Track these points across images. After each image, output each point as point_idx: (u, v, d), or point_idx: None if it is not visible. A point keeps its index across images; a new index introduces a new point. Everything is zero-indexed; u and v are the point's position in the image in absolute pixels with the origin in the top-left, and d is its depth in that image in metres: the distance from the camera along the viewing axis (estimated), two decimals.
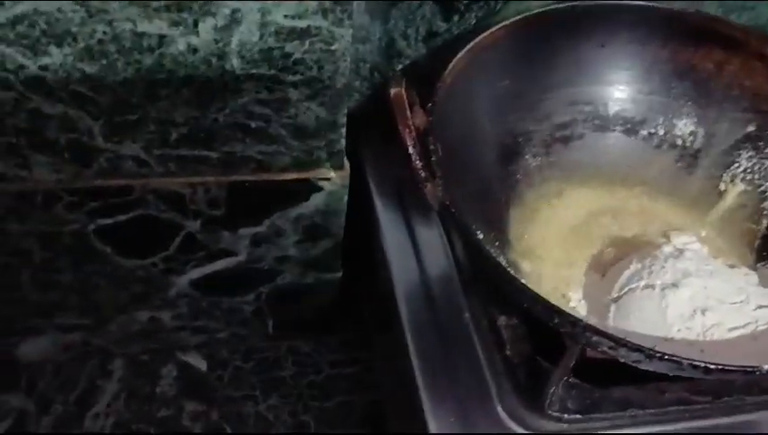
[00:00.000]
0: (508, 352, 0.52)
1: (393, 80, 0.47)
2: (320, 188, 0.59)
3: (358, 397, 0.68)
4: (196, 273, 0.64)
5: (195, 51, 0.49)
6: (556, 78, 0.60)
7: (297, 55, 0.51)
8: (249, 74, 0.52)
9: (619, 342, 0.40)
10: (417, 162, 0.43)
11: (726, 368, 0.39)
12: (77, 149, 0.54)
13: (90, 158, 0.54)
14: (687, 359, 0.39)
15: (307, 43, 0.51)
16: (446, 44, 0.62)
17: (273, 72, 0.52)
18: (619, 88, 0.62)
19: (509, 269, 0.45)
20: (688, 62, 0.60)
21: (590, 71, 0.61)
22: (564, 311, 0.41)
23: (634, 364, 0.42)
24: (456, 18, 0.60)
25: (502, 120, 0.58)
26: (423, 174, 0.44)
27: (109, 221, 0.58)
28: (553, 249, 0.57)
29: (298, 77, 0.52)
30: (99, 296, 0.64)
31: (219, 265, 0.63)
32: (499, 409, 0.49)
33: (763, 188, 0.58)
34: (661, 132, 0.62)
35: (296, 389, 0.68)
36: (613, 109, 0.62)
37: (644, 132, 0.62)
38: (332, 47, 0.51)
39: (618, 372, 0.47)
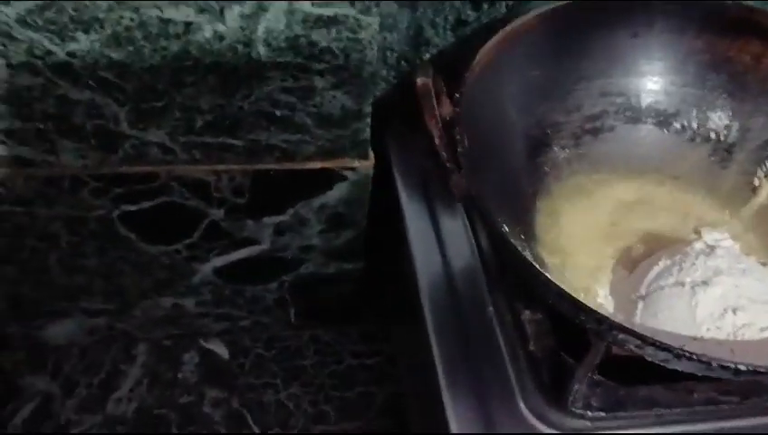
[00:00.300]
0: (532, 348, 0.51)
1: (420, 69, 0.46)
2: (344, 178, 0.59)
3: (378, 388, 0.68)
4: (219, 260, 0.64)
5: (221, 38, 0.49)
6: (587, 69, 0.59)
7: (323, 43, 0.51)
8: (275, 62, 0.51)
9: (646, 340, 0.39)
10: (443, 153, 0.43)
11: (757, 369, 0.38)
12: (103, 136, 0.54)
13: (115, 144, 0.55)
14: (717, 359, 0.38)
15: (334, 31, 0.50)
16: (474, 33, 0.61)
17: (299, 60, 0.51)
18: (652, 79, 0.60)
19: (534, 263, 0.44)
20: (724, 54, 0.59)
21: (623, 61, 0.59)
22: (590, 308, 0.40)
23: (662, 364, 0.41)
24: (485, 7, 0.59)
25: (530, 111, 0.57)
26: (449, 165, 0.44)
27: (133, 207, 0.58)
28: (581, 244, 0.55)
29: (324, 65, 0.52)
30: (123, 282, 0.65)
31: (243, 253, 0.64)
32: (522, 406, 0.48)
33: None
34: (694, 125, 0.60)
35: (317, 378, 0.68)
36: (645, 101, 0.60)
37: (677, 125, 0.61)
38: (359, 36, 0.51)
39: (644, 370, 0.46)
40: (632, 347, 0.41)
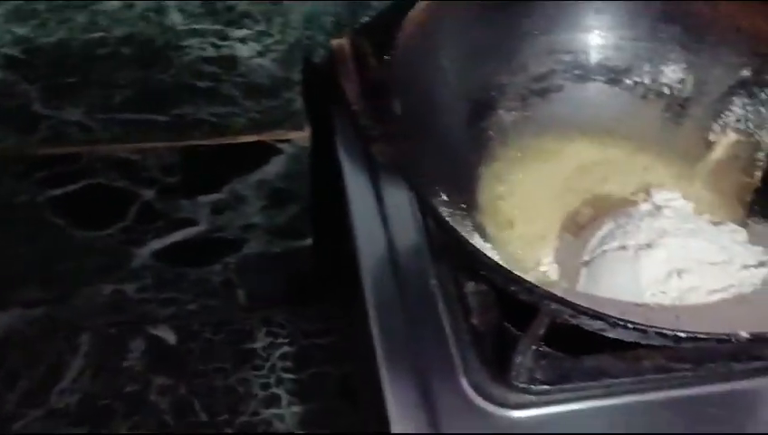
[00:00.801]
0: (475, 321, 0.48)
1: (335, 32, 0.43)
2: (279, 151, 0.56)
3: (333, 368, 0.65)
4: (157, 243, 0.61)
5: (130, 6, 0.46)
6: (532, 25, 0.56)
7: (242, 8, 0.47)
8: (192, 30, 0.48)
9: (578, 310, 0.36)
10: (364, 119, 0.40)
11: (698, 336, 0.36)
12: (17, 116, 0.51)
13: (31, 125, 0.51)
14: (654, 327, 0.36)
15: None
16: None
17: (217, 26, 0.48)
18: (600, 34, 0.57)
19: (460, 232, 0.41)
20: (678, 5, 0.56)
21: (570, 16, 0.56)
22: (520, 277, 0.38)
23: (601, 333, 0.39)
24: None
25: (472, 73, 0.54)
26: (373, 132, 0.41)
27: (59, 191, 0.56)
28: (528, 211, 0.53)
29: (245, 31, 0.49)
30: (59, 269, 0.62)
31: (180, 234, 0.61)
32: (463, 381, 0.46)
33: (756, 138, 0.54)
34: (647, 81, 0.57)
35: (268, 361, 0.66)
36: (595, 57, 0.57)
37: (628, 81, 0.57)
38: None
39: (595, 339, 0.43)
40: (567, 317, 0.39)
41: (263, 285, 0.67)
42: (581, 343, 0.48)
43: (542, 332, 0.46)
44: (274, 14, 0.48)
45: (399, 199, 0.57)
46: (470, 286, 0.51)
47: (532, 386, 0.46)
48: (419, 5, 0.50)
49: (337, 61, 0.40)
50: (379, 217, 0.56)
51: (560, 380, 0.47)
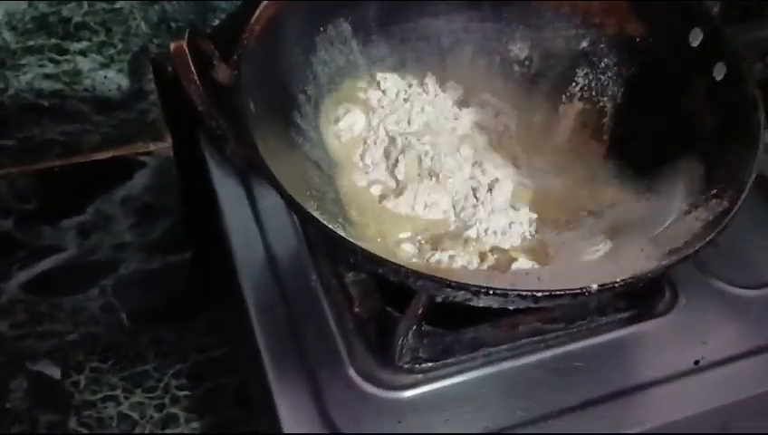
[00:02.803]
0: (357, 310, 0.49)
1: (174, 35, 0.42)
2: (142, 164, 0.54)
3: (229, 379, 0.64)
4: (23, 275, 0.58)
5: None
6: (383, 15, 0.57)
7: (77, 19, 0.46)
8: (26, 47, 0.46)
9: (441, 283, 0.37)
10: (211, 121, 0.39)
11: (554, 293, 0.38)
12: None
13: None
14: (513, 290, 0.37)
15: (85, 4, 0.45)
16: None
17: (54, 40, 0.46)
18: (450, 19, 0.59)
19: (322, 220, 0.41)
20: None
21: (417, 3, 0.58)
22: (385, 259, 0.38)
23: (468, 302, 0.40)
24: None
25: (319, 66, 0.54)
26: (224, 133, 0.40)
27: None
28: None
29: (85, 44, 0.47)
30: None
31: (48, 262, 0.58)
32: (350, 370, 0.46)
33: (601, 105, 0.57)
34: (498, 60, 0.59)
35: (161, 381, 0.64)
36: (448, 41, 0.59)
37: (482, 60, 0.59)
38: (116, 5, 0.46)
39: (477, 312, 0.45)
40: (433, 292, 0.40)
41: (146, 304, 0.65)
42: (464, 318, 0.51)
43: (420, 311, 0.47)
44: (113, 23, 0.46)
45: (273, 199, 0.56)
46: (350, 276, 0.52)
47: (416, 365, 0.47)
48: (265, 4, 0.50)
49: (178, 63, 0.39)
50: (254, 219, 0.55)
51: (442, 355, 0.48)
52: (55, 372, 0.64)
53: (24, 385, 0.63)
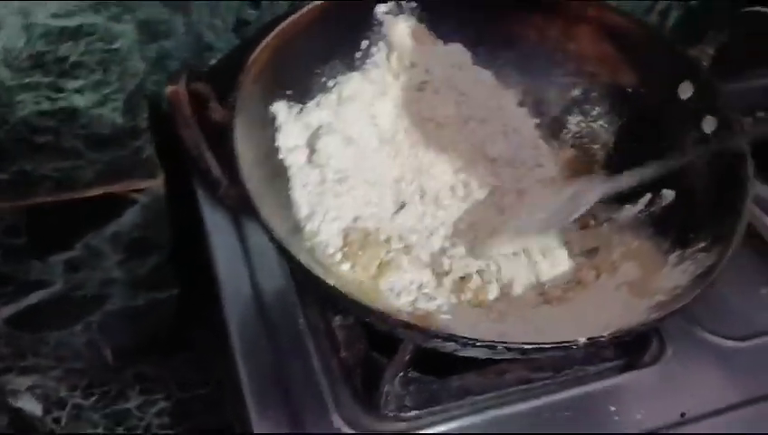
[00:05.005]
0: (344, 355, 0.49)
1: (170, 77, 0.43)
2: (133, 201, 0.54)
3: (212, 418, 0.63)
4: (8, 309, 0.57)
5: None
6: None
7: (74, 58, 0.46)
8: (23, 84, 0.46)
9: (429, 334, 0.37)
10: (206, 164, 0.39)
11: (542, 347, 0.37)
12: None
13: None
14: (501, 342, 0.37)
15: (83, 43, 0.46)
16: (260, 33, 0.58)
17: (50, 78, 0.46)
18: None
19: (310, 267, 0.41)
20: (510, 32, 0.59)
21: None
22: (374, 308, 0.38)
23: (455, 353, 0.40)
24: (266, 4, 0.56)
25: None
26: (218, 176, 0.40)
27: None
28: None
29: (81, 82, 0.47)
30: None
31: (34, 297, 0.57)
32: (335, 417, 0.45)
33: (592, 152, 0.57)
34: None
35: (143, 420, 0.63)
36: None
37: None
38: (114, 46, 0.46)
39: (462, 357, 0.45)
40: (420, 342, 0.40)
41: (131, 341, 0.64)
42: (452, 364, 0.50)
43: (407, 358, 0.47)
44: (110, 63, 0.47)
45: (263, 238, 0.56)
46: (337, 320, 0.52)
47: (402, 413, 0.46)
48: (261, 47, 0.50)
49: (173, 107, 0.39)
50: (243, 257, 0.55)
51: (429, 403, 0.47)
52: (36, 409, 0.63)
53: (5, 421, 0.62)
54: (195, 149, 0.39)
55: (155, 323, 0.64)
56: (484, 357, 0.40)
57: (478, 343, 0.37)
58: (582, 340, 0.38)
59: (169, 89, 0.39)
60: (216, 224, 0.57)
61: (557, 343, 0.38)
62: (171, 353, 0.67)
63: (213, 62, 0.58)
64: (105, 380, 0.65)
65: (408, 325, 0.37)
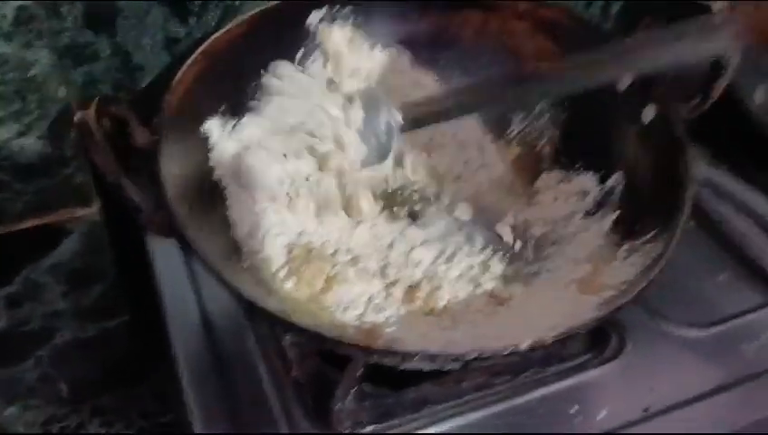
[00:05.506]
0: (295, 373, 0.47)
1: (79, 104, 0.41)
2: (69, 231, 0.53)
3: None
4: None
5: None
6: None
7: None
8: None
9: (371, 351, 0.36)
10: (124, 191, 0.38)
11: (483, 356, 0.36)
12: None
13: None
14: (444, 353, 0.36)
15: None
16: (190, 50, 0.56)
17: None
18: None
19: (242, 291, 0.40)
20: (448, 32, 0.58)
21: None
22: (302, 326, 0.37)
23: (400, 367, 0.38)
24: (192, 21, 0.55)
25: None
26: (139, 202, 0.39)
27: None
28: None
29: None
30: None
31: None
32: None
33: (538, 149, 0.56)
34: None
35: None
36: None
37: None
38: (30, 73, 0.45)
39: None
40: (366, 359, 0.38)
41: (86, 373, 0.62)
42: (410, 375, 0.49)
43: (358, 374, 0.45)
44: (27, 91, 0.45)
45: None
46: (287, 338, 0.50)
47: (358, 430, 0.45)
48: (187, 65, 0.49)
49: (83, 134, 0.37)
50: (189, 281, 0.53)
51: (385, 417, 0.46)
52: None
53: None
54: (110, 175, 0.37)
55: (109, 353, 0.62)
56: (429, 369, 0.38)
57: (419, 357, 0.36)
58: (524, 345, 0.37)
59: (77, 115, 0.38)
60: (160, 247, 0.55)
61: (498, 350, 0.36)
62: (129, 383, 0.65)
63: (147, 80, 0.57)
64: (62, 416, 0.63)
65: (341, 343, 0.36)
